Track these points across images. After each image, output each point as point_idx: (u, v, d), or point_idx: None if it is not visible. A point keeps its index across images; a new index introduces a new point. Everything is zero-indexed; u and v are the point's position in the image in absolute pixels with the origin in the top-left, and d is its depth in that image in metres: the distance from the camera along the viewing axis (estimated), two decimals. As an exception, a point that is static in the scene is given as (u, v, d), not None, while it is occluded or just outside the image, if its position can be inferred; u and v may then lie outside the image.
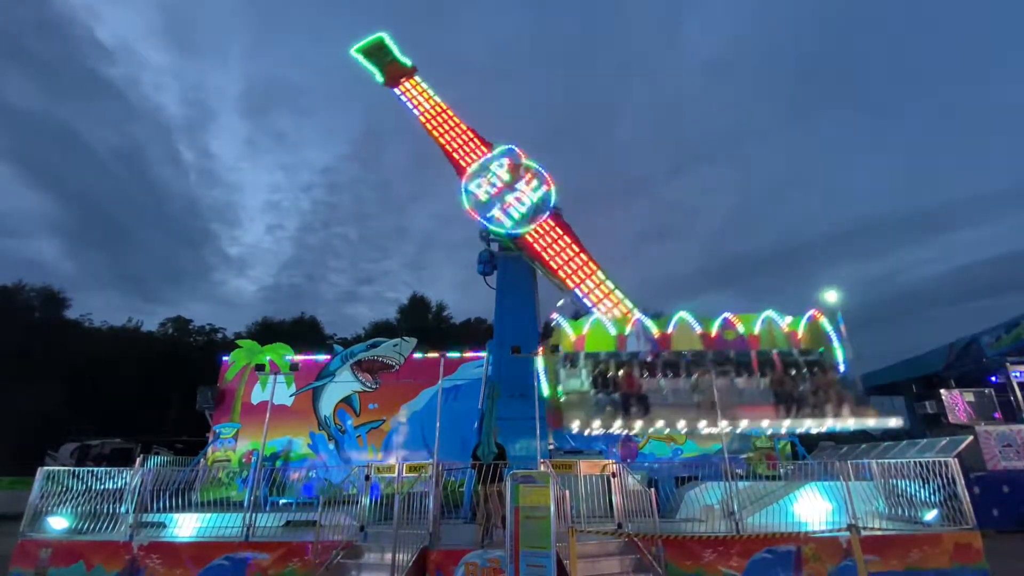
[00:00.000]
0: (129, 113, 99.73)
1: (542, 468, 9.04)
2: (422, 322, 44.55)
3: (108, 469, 11.01)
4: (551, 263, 15.71)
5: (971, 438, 14.11)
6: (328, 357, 17.32)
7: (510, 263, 16.44)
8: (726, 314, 13.34)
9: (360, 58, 19.62)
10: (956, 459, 9.87)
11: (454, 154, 17.51)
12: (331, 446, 16.07)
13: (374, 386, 16.71)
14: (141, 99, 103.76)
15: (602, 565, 8.27)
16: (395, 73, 19.39)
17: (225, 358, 17.15)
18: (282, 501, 13.99)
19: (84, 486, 10.50)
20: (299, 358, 16.63)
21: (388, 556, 8.04)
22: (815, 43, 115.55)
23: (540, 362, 12.14)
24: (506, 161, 16.71)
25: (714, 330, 13.20)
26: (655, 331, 13.31)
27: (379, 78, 19.46)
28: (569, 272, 15.62)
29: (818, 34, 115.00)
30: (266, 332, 37.88)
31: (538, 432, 10.92)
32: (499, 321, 15.87)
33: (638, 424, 12.02)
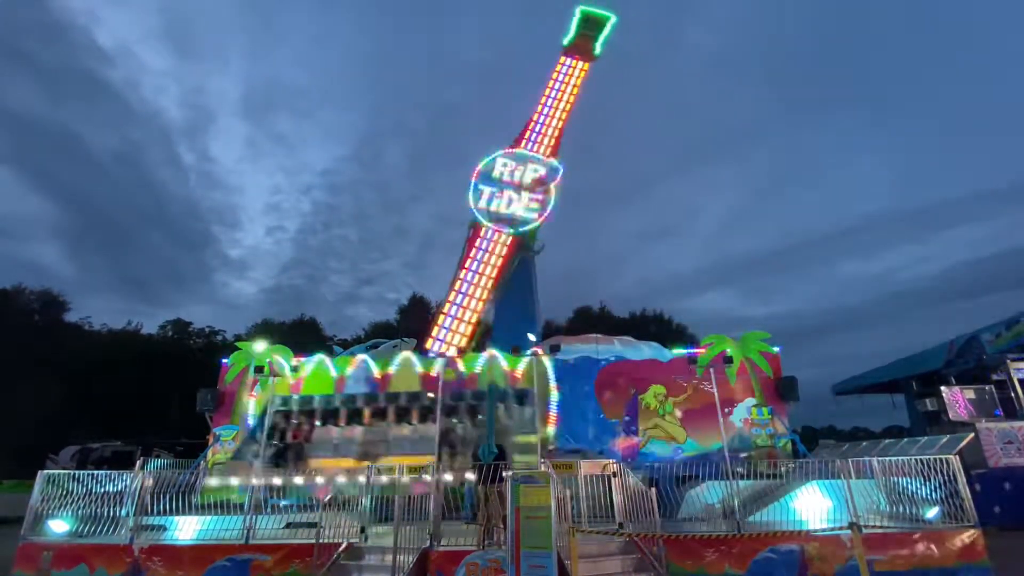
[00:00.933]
0: (129, 116, 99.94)
1: (543, 468, 9.03)
2: (422, 322, 44.52)
3: (109, 472, 11.00)
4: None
5: (972, 435, 14.10)
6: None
7: (511, 265, 16.45)
8: (451, 355, 13.43)
9: (577, 14, 20.33)
10: (957, 456, 9.85)
11: (526, 133, 18.33)
12: (332, 447, 16.01)
13: (374, 387, 16.66)
14: (141, 102, 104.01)
15: (603, 565, 8.26)
16: (581, 48, 20.15)
17: (225, 360, 17.14)
18: (283, 503, 13.96)
19: (85, 489, 10.49)
20: (299, 360, 16.62)
21: (389, 557, 8.04)
22: (815, 43, 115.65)
23: (252, 406, 12.34)
24: (541, 171, 17.00)
25: (434, 370, 13.12)
26: (376, 372, 13.37)
27: (566, 39, 20.17)
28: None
29: (818, 34, 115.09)
30: (266, 333, 37.84)
31: (538, 432, 10.93)
32: (499, 321, 15.88)
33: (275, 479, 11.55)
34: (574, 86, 19.39)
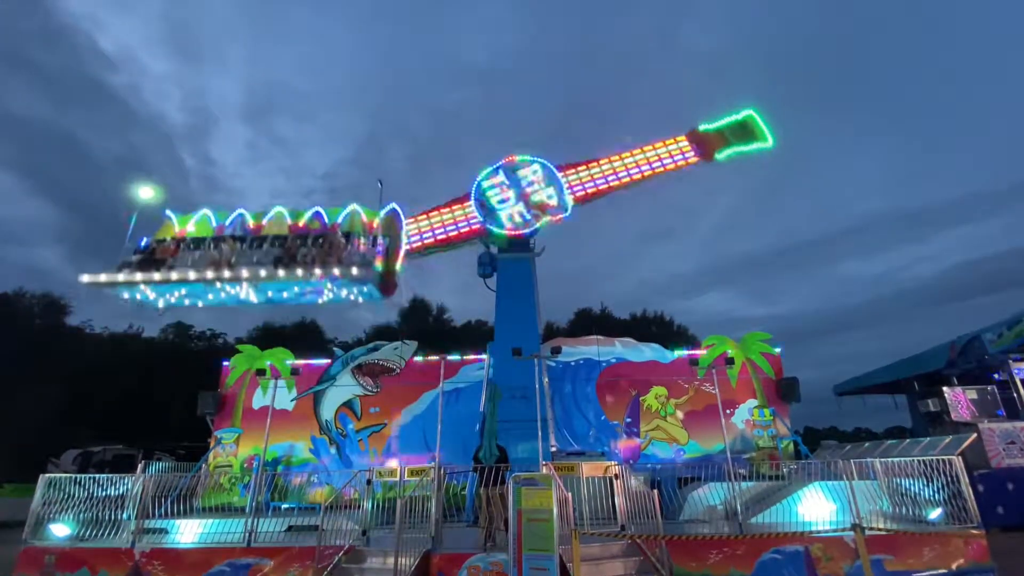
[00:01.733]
0: (131, 121, 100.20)
1: (544, 470, 9.01)
2: (423, 325, 44.51)
3: (110, 475, 11.01)
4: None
5: (974, 436, 14.06)
6: (329, 361, 17.30)
7: (510, 265, 16.46)
8: (318, 208, 14.40)
9: (741, 115, 17.76)
10: (959, 457, 9.83)
11: (581, 167, 17.48)
12: (332, 450, 16.04)
13: (375, 390, 16.69)
14: (143, 106, 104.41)
15: (606, 567, 8.23)
16: (705, 143, 17.66)
17: (226, 363, 17.16)
18: (284, 506, 13.96)
19: (86, 493, 10.50)
20: (300, 362, 16.65)
21: (391, 560, 8.02)
22: (813, 42, 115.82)
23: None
24: (554, 202, 16.72)
25: (303, 221, 14.16)
26: (251, 222, 14.35)
27: (706, 125, 17.84)
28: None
29: (817, 33, 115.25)
30: (267, 336, 37.82)
31: (540, 434, 10.92)
32: (499, 323, 15.88)
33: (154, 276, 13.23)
34: (661, 169, 17.21)
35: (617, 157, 17.43)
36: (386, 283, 14.31)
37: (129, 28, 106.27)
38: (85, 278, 13.39)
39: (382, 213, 14.44)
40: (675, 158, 17.34)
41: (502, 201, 16.37)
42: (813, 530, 9.13)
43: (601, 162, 17.40)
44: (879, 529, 9.11)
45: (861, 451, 15.29)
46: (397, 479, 9.77)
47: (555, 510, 7.12)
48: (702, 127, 17.77)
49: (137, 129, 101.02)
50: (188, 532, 10.57)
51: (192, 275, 13.20)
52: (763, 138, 17.39)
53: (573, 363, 16.69)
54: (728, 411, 15.64)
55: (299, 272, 12.94)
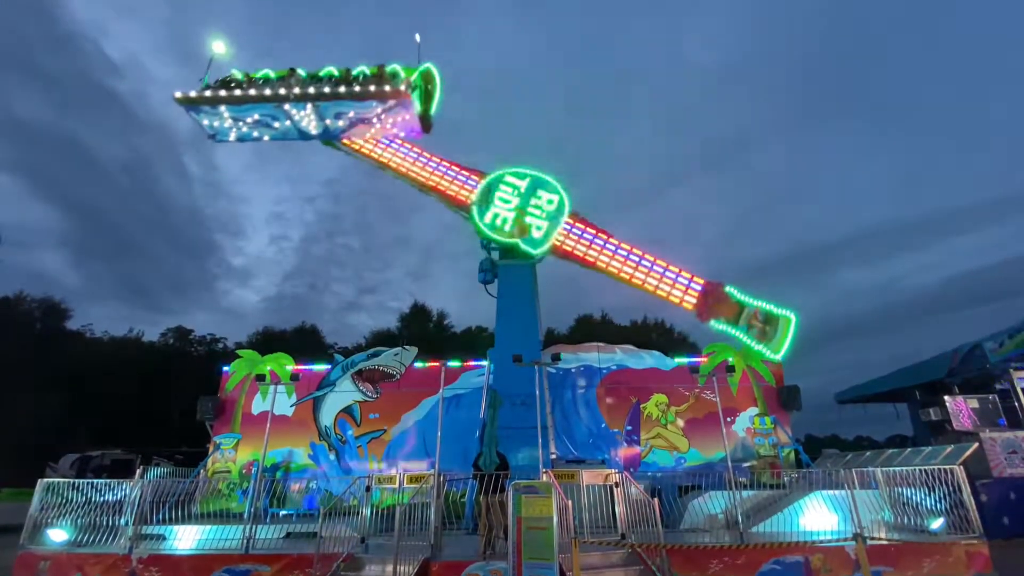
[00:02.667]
0: (136, 126, 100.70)
1: (544, 478, 8.98)
2: (423, 330, 44.51)
3: (108, 481, 10.98)
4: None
5: (976, 445, 14.00)
6: (328, 367, 17.28)
7: (511, 271, 16.45)
8: (363, 67, 16.34)
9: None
10: (961, 467, 9.79)
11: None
12: (332, 456, 15.98)
13: (375, 396, 16.66)
14: (148, 113, 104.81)
15: (606, 576, 8.18)
16: None
17: (225, 368, 17.14)
18: (282, 512, 13.90)
19: (84, 498, 10.46)
20: (300, 368, 16.63)
21: (389, 568, 7.98)
22: (816, 53, 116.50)
23: None
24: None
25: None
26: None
27: None
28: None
29: (819, 44, 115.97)
30: (267, 341, 37.82)
31: (540, 441, 10.88)
32: (500, 329, 15.85)
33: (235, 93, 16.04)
34: (652, 289, 15.84)
35: (627, 247, 16.14)
36: (425, 122, 17.03)
37: (136, 35, 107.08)
38: (177, 94, 15.87)
39: (420, 67, 16.45)
40: (675, 290, 15.77)
41: (504, 200, 16.24)
42: (814, 540, 9.07)
43: (609, 239, 16.26)
44: (880, 539, 9.06)
45: (863, 460, 15.22)
46: (396, 486, 9.72)
47: (555, 518, 7.08)
48: (729, 288, 15.76)
49: (142, 134, 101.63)
50: (186, 538, 10.52)
51: (268, 92, 15.80)
52: (776, 346, 15.18)
53: (573, 370, 16.66)
54: (729, 419, 15.58)
55: (356, 89, 15.67)
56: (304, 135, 17.19)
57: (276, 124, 16.84)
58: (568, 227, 16.23)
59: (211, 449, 15.92)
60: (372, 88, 15.79)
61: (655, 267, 16.08)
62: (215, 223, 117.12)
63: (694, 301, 15.69)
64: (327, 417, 16.48)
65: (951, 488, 9.47)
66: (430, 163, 17.30)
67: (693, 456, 15.49)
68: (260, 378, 14.44)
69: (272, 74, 16.54)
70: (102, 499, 10.55)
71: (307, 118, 16.50)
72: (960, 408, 15.88)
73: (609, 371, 16.69)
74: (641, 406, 16.15)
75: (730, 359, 15.69)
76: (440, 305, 57.36)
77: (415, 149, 17.54)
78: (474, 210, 16.10)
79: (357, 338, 47.99)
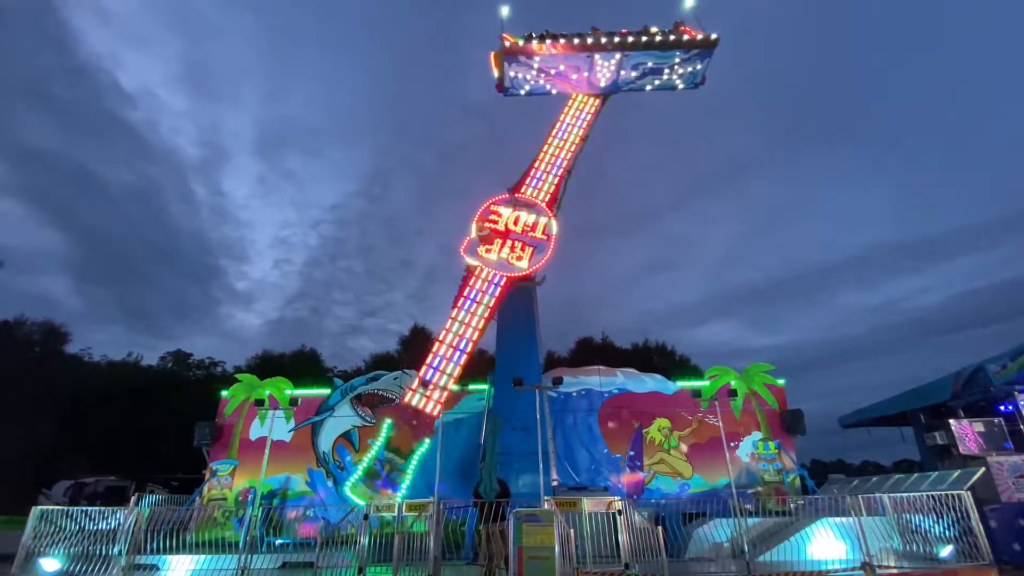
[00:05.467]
0: (146, 154, 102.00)
1: (546, 506, 8.84)
2: (423, 353, 44.23)
3: (102, 508, 10.79)
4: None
5: (983, 469, 13.80)
6: (327, 391, 17.15)
7: (512, 295, 16.48)
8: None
9: None
10: (969, 492, 9.65)
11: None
12: (329, 483, 15.72)
13: (374, 420, 16.49)
14: (159, 141, 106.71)
15: (609, 608, 7.99)
16: None
17: (224, 393, 17.01)
18: (278, 541, 13.61)
19: (77, 526, 10.27)
20: (299, 392, 16.50)
21: (388, 600, 7.79)
22: (813, 76, 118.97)
23: None
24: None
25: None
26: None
27: None
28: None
29: (816, 67, 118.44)
30: (265, 365, 37.58)
31: (541, 467, 10.75)
32: (501, 353, 15.80)
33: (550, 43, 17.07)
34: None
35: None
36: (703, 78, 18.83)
37: (149, 66, 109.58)
38: (508, 39, 17.58)
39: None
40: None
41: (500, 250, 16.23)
42: (822, 570, 8.88)
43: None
44: (890, 568, 8.87)
45: (869, 485, 15.00)
46: (395, 514, 9.55)
47: (557, 547, 6.96)
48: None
49: (151, 162, 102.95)
50: (179, 568, 10.29)
51: (590, 40, 17.27)
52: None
53: (575, 394, 16.54)
54: (732, 444, 15.39)
55: (672, 38, 17.48)
56: (591, 86, 18.40)
57: (573, 76, 18.23)
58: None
59: (207, 476, 15.68)
60: (685, 37, 17.50)
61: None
62: (221, 248, 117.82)
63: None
64: (326, 442, 16.28)
65: (960, 514, 9.33)
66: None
67: (697, 482, 15.26)
68: (259, 403, 14.33)
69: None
70: (95, 527, 10.36)
71: (606, 68, 17.82)
72: (966, 432, 15.69)
73: (611, 395, 16.57)
74: (643, 431, 15.98)
75: (732, 382, 15.60)
76: (441, 327, 57.18)
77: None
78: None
79: (357, 361, 47.64)
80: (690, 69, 18.37)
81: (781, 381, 16.46)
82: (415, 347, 46.26)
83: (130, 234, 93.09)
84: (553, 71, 18.16)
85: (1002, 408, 17.25)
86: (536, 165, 17.62)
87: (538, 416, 11.68)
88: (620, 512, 9.46)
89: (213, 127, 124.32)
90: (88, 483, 20.68)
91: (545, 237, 16.26)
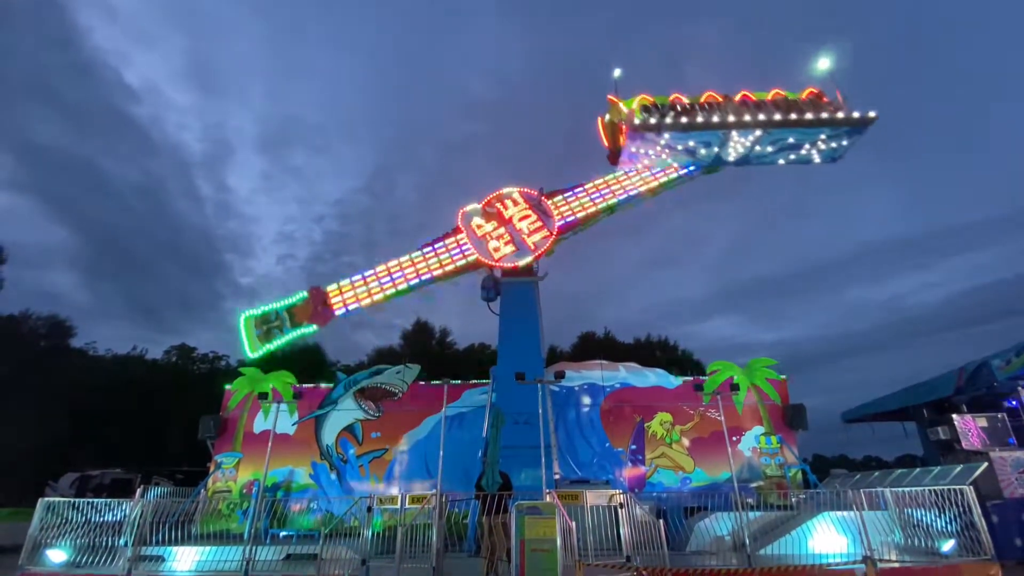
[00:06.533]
0: (151, 150, 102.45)
1: (548, 499, 8.88)
2: (425, 348, 44.37)
3: (108, 500, 10.89)
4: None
5: (986, 465, 13.78)
6: (330, 385, 17.23)
7: (514, 289, 16.50)
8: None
9: None
10: (972, 487, 9.64)
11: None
12: (333, 476, 15.83)
13: (377, 414, 16.57)
14: (164, 137, 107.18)
15: (611, 600, 8.04)
16: None
17: (228, 387, 17.12)
18: (283, 533, 13.73)
19: (84, 518, 10.37)
20: (302, 386, 16.59)
21: (391, 591, 7.86)
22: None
23: None
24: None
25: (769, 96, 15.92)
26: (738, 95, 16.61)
27: None
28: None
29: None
30: (269, 359, 37.77)
31: (543, 461, 10.79)
32: (503, 347, 15.83)
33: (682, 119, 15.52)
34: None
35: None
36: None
37: (154, 63, 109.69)
38: (637, 120, 15.65)
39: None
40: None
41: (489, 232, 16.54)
42: (823, 563, 8.91)
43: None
44: (891, 561, 8.89)
45: (871, 480, 15.00)
46: (398, 506, 9.61)
47: (559, 540, 6.99)
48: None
49: (156, 157, 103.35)
50: (184, 560, 10.38)
51: (716, 118, 15.62)
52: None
53: (577, 388, 16.58)
54: (734, 438, 15.42)
55: (808, 116, 15.56)
56: (717, 162, 16.96)
57: (702, 151, 16.52)
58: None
59: (212, 468, 15.80)
60: (840, 115, 15.65)
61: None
62: (225, 243, 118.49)
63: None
64: (329, 436, 16.38)
65: (962, 509, 9.32)
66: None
67: (698, 476, 15.30)
68: (263, 396, 14.41)
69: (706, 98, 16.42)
70: (101, 519, 10.46)
71: (739, 144, 16.21)
72: (969, 427, 15.67)
73: (613, 389, 16.59)
74: (645, 425, 16.01)
75: (735, 377, 15.59)
76: (443, 322, 57.33)
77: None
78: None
79: (360, 356, 47.83)
80: (833, 145, 16.67)
81: (783, 376, 16.45)
82: (418, 342, 46.41)
83: (135, 229, 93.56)
84: (681, 146, 16.44)
85: (1006, 403, 17.22)
86: (585, 184, 17.47)
87: (540, 410, 11.71)
88: (622, 505, 9.50)
89: (218, 123, 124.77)
90: (94, 475, 20.85)
91: (532, 247, 16.41)
